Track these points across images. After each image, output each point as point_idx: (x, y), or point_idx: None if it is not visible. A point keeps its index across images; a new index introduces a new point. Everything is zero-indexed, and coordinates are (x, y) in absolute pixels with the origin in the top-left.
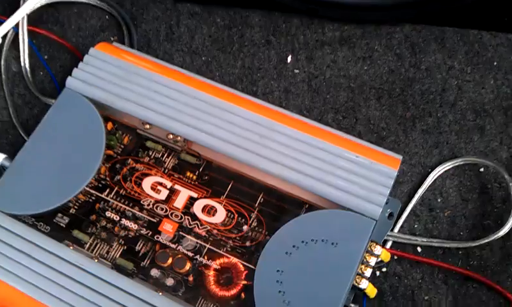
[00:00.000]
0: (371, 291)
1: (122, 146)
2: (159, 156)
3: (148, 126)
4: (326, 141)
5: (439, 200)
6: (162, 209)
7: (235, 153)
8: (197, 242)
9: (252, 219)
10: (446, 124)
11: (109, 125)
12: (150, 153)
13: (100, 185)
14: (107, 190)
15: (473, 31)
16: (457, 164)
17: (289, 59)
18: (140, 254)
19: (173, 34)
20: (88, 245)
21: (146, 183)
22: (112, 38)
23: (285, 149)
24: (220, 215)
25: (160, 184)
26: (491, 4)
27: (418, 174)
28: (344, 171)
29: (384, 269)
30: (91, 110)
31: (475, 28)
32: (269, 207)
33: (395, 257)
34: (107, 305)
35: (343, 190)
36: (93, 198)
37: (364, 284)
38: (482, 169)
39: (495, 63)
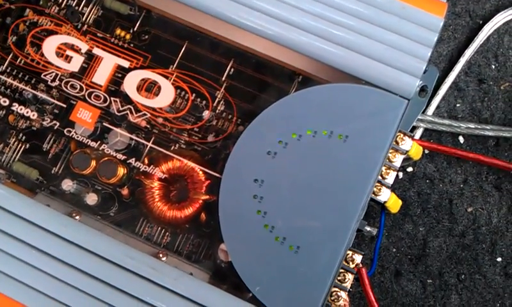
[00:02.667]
0: (394, 204)
1: None
2: (73, 4)
3: None
4: None
5: (493, 67)
6: (74, 87)
7: None
8: (131, 138)
9: (217, 100)
10: None
11: None
12: (59, 0)
13: None
14: None
15: None
16: None
17: None
18: (49, 155)
19: None
20: None
21: (49, 46)
22: None
23: None
24: (167, 96)
25: (71, 47)
26: None
27: (464, 27)
28: (360, 21)
29: (410, 169)
30: None
31: None
32: (242, 82)
33: (427, 151)
34: None
35: (357, 52)
36: None
37: (385, 195)
38: None
39: None
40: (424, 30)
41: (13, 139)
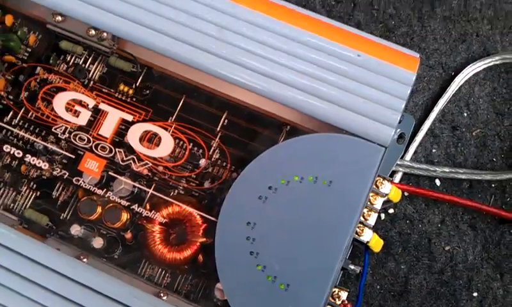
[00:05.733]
0: (376, 244)
1: (28, 49)
2: (80, 62)
3: (61, 18)
4: (315, 34)
5: (465, 114)
6: (82, 139)
7: (186, 54)
8: (134, 186)
9: (212, 149)
10: (476, 8)
11: (8, 19)
12: (68, 59)
13: None
14: (9, 113)
15: None
16: (490, 65)
17: None
18: (58, 202)
19: None
20: None
21: (59, 102)
22: None
23: (256, 47)
24: (166, 146)
25: (79, 103)
26: None
27: (437, 79)
28: (341, 77)
29: (391, 211)
30: None
31: None
32: (235, 132)
33: (406, 194)
34: (9, 282)
35: (339, 105)
36: None
37: (367, 235)
38: None
39: None
40: (398, 84)
41: (25, 187)
